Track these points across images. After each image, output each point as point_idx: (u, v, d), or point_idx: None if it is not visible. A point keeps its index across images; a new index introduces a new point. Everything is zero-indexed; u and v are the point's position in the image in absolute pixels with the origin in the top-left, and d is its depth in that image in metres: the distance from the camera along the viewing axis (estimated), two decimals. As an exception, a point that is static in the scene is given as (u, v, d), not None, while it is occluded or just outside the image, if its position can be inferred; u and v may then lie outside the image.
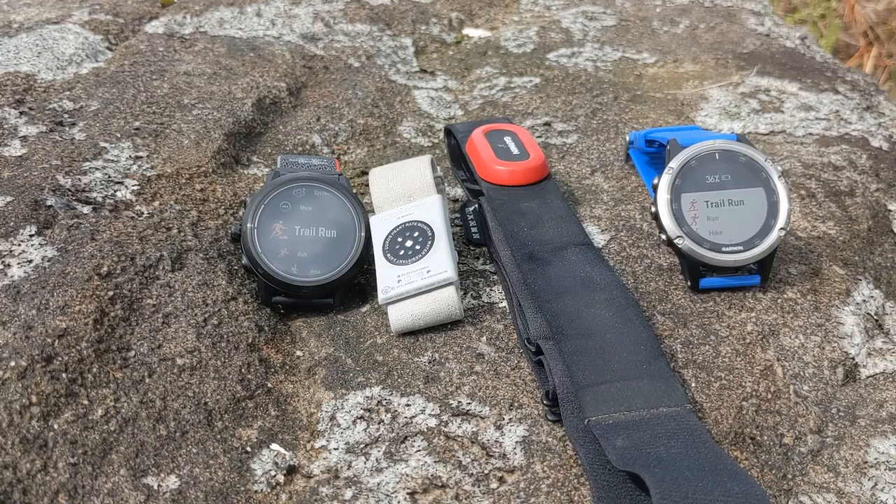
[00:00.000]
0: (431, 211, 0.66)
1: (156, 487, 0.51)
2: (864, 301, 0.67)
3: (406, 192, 0.68)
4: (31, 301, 0.57)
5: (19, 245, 0.62)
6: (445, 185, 0.77)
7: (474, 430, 0.55)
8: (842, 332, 0.64)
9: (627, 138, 0.79)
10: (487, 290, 0.66)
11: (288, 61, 0.95)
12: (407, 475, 0.53)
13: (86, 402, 0.53)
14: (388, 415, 0.57)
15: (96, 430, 0.52)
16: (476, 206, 0.72)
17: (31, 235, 0.63)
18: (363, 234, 0.65)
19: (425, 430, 0.56)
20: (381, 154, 0.84)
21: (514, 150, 0.75)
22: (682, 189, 0.64)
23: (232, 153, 0.79)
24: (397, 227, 0.66)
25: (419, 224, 0.65)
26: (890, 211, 0.79)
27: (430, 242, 0.64)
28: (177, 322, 0.60)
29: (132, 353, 0.57)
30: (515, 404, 0.57)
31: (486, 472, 0.53)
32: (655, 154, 0.77)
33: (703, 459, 0.49)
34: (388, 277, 0.63)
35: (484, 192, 0.73)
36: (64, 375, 0.54)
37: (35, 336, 0.55)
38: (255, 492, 0.52)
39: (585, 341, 0.58)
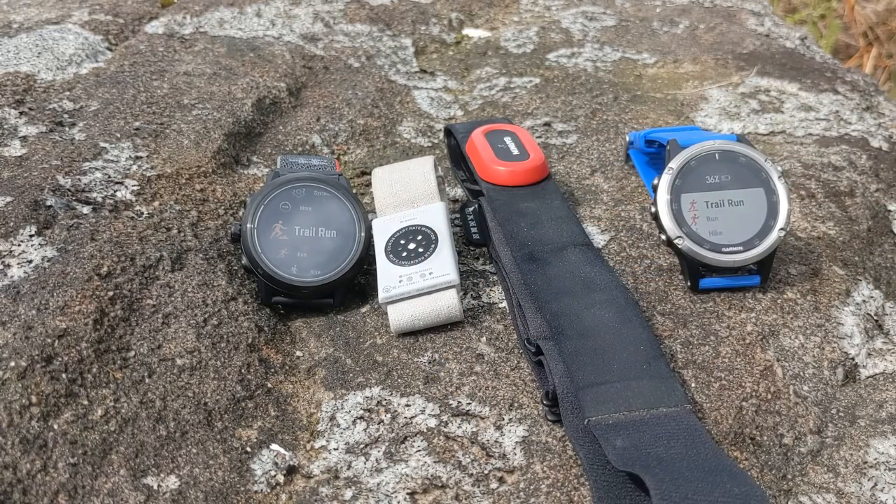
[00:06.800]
0: (436, 217, 0.66)
1: (156, 487, 0.51)
2: (863, 301, 0.67)
3: (410, 199, 0.68)
4: (31, 301, 0.57)
5: (19, 245, 0.62)
6: (446, 185, 0.78)
7: (474, 430, 0.55)
8: (842, 333, 0.64)
9: (627, 138, 0.79)
10: (487, 290, 0.66)
11: (288, 61, 0.95)
12: (407, 475, 0.53)
13: (86, 402, 0.53)
14: (388, 415, 0.57)
15: (96, 430, 0.52)
16: (476, 206, 0.72)
17: (31, 235, 0.63)
18: (363, 234, 0.65)
19: (425, 430, 0.56)
20: (381, 154, 0.85)
21: (514, 151, 0.75)
22: (682, 189, 0.64)
23: (232, 153, 0.79)
24: (401, 229, 0.66)
25: (423, 228, 0.65)
26: (890, 211, 0.79)
27: (433, 246, 0.64)
28: (177, 322, 0.60)
29: (132, 353, 0.57)
30: (515, 404, 0.57)
31: (485, 472, 0.53)
32: (655, 154, 0.77)
33: (703, 460, 0.50)
34: (390, 277, 0.63)
35: (484, 192, 0.73)
36: (64, 376, 0.54)
37: (35, 336, 0.55)
38: (255, 492, 0.52)
39: (585, 342, 0.58)
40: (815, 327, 0.64)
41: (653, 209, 0.64)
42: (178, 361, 0.58)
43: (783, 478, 0.55)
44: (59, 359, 0.54)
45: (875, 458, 0.56)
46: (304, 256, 0.63)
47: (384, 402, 0.58)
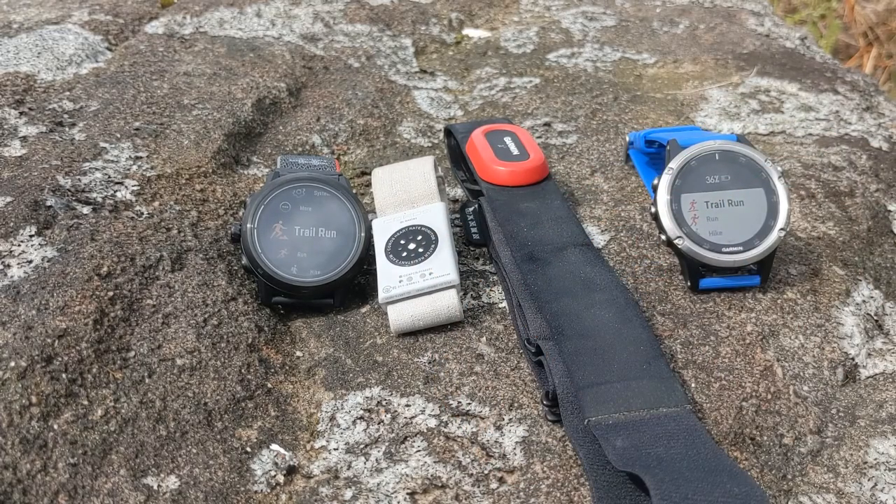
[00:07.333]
0: (436, 217, 0.66)
1: (156, 488, 0.51)
2: (863, 301, 0.67)
3: (410, 199, 0.68)
4: (31, 301, 0.57)
5: (19, 245, 0.62)
6: (446, 185, 0.78)
7: (474, 430, 0.55)
8: (842, 333, 0.64)
9: (627, 139, 0.79)
10: (487, 290, 0.66)
11: (288, 62, 0.95)
12: (407, 475, 0.53)
13: (86, 402, 0.53)
14: (388, 415, 0.57)
15: (96, 430, 0.52)
16: (476, 206, 0.72)
17: (30, 236, 0.63)
18: (363, 234, 0.65)
19: (425, 430, 0.56)
20: (381, 154, 0.85)
21: (514, 151, 0.75)
22: (682, 189, 0.64)
23: (232, 153, 0.79)
24: (401, 230, 0.66)
25: (423, 228, 0.65)
26: (890, 211, 0.79)
27: (433, 246, 0.64)
28: (177, 322, 0.60)
29: (132, 353, 0.57)
30: (515, 404, 0.57)
31: (485, 472, 0.53)
32: (655, 154, 0.77)
33: (703, 460, 0.50)
34: (390, 277, 0.63)
35: (484, 192, 0.73)
36: (64, 376, 0.54)
37: (35, 336, 0.55)
38: (255, 492, 0.52)
39: (585, 342, 0.58)
40: (815, 327, 0.64)
41: (653, 209, 0.64)
42: (178, 361, 0.58)
43: (783, 478, 0.55)
44: (59, 359, 0.54)
45: (875, 458, 0.56)
46: (304, 256, 0.63)
47: (384, 403, 0.58)
